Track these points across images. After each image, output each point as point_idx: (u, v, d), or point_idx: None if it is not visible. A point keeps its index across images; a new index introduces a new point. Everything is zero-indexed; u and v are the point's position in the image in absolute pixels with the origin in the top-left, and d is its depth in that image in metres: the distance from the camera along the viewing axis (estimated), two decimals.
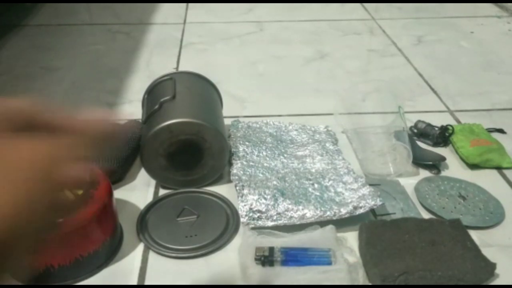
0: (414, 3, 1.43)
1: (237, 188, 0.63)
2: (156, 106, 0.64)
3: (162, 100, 0.65)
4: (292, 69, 1.05)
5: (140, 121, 0.74)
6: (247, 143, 0.73)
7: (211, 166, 0.66)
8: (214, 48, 1.15)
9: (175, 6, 1.40)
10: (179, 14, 1.34)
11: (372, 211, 0.62)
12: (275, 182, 0.64)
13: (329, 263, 0.53)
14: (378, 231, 0.57)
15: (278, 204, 0.60)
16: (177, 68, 1.04)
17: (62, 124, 0.28)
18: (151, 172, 0.66)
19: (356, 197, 0.61)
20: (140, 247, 0.58)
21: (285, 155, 0.72)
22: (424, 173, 0.71)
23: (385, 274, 0.52)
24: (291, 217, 0.59)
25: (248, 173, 0.66)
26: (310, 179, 0.65)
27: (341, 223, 0.59)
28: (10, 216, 0.20)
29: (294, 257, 0.54)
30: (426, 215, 0.63)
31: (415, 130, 0.80)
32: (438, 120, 0.82)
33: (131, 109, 0.88)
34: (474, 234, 0.59)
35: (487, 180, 0.70)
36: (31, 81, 0.98)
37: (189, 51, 1.12)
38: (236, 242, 0.58)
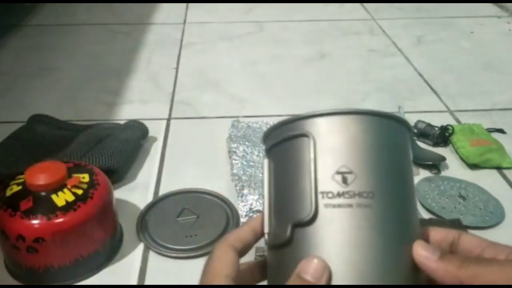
0: (414, 3, 1.43)
1: (237, 188, 0.63)
2: (288, 233, 0.30)
3: (295, 221, 0.30)
4: (292, 69, 1.05)
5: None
6: (247, 143, 0.73)
7: None
8: (214, 48, 1.15)
9: (175, 6, 1.40)
10: (179, 14, 1.34)
11: None
12: None
13: None
14: None
15: None
16: (177, 68, 1.04)
17: None
18: None
19: None
20: (140, 247, 0.58)
21: None
22: (424, 173, 0.71)
23: None
24: None
25: (248, 173, 0.66)
26: None
27: None
28: None
29: None
30: (426, 215, 0.63)
31: (415, 130, 0.80)
32: (438, 120, 0.82)
33: (131, 109, 0.88)
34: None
35: (487, 180, 0.70)
36: (31, 81, 0.98)
37: (189, 51, 1.12)
38: None
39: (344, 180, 0.29)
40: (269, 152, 0.34)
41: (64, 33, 1.22)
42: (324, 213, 0.29)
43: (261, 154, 0.71)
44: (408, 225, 0.31)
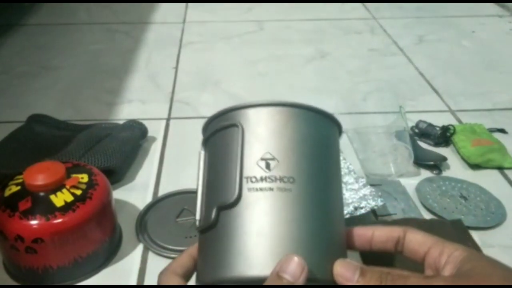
0: (415, 2, 1.42)
1: None
2: (213, 216, 0.31)
3: (220, 204, 0.31)
4: (292, 68, 1.04)
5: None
6: None
7: None
8: (214, 47, 1.14)
9: (174, 5, 1.39)
10: (178, 13, 1.34)
11: (373, 211, 0.62)
12: None
13: None
14: None
15: None
16: (176, 67, 1.04)
17: None
18: None
19: (357, 197, 0.61)
20: (140, 248, 0.58)
21: None
22: (425, 173, 0.71)
23: None
24: None
25: None
26: None
27: None
28: None
29: None
30: (427, 216, 0.63)
31: (416, 130, 0.79)
32: (440, 120, 0.81)
33: (130, 108, 0.88)
34: (475, 235, 0.58)
35: (489, 180, 0.70)
36: (30, 81, 0.97)
37: (188, 51, 1.12)
38: None
39: (267, 166, 0.31)
40: (205, 144, 0.36)
41: (63, 32, 1.22)
42: (248, 196, 0.30)
43: None
44: (328, 209, 0.33)
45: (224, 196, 0.31)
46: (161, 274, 0.34)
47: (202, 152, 0.35)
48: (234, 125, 0.33)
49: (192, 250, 0.35)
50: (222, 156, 0.33)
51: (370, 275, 0.29)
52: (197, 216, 0.33)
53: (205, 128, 0.36)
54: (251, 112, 0.33)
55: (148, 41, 1.16)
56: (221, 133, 0.34)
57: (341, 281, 0.29)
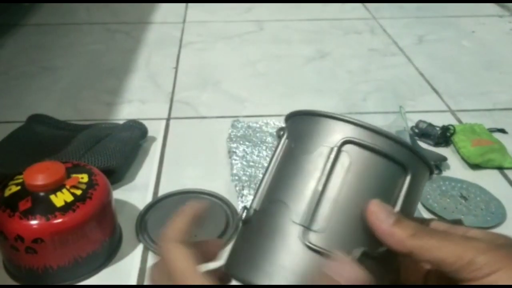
0: (415, 2, 1.42)
1: (237, 188, 0.63)
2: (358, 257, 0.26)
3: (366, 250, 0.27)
4: (292, 68, 1.04)
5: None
6: (247, 143, 0.73)
7: None
8: (213, 47, 1.14)
9: (174, 5, 1.39)
10: (178, 13, 1.34)
11: None
12: None
13: None
14: None
15: None
16: (176, 67, 1.04)
17: None
18: None
19: None
20: (140, 248, 0.58)
21: None
22: None
23: None
24: None
25: (248, 173, 0.66)
26: None
27: None
28: None
29: None
30: (427, 216, 0.63)
31: (416, 130, 0.79)
32: (440, 120, 0.81)
33: (130, 108, 0.88)
34: None
35: (489, 180, 0.70)
36: (30, 81, 0.97)
37: (188, 51, 1.12)
38: None
39: None
40: (344, 145, 0.28)
41: (63, 32, 1.22)
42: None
43: (261, 154, 0.71)
44: None
45: (371, 242, 0.27)
46: (161, 247, 0.28)
47: (345, 156, 0.27)
48: (405, 167, 0.28)
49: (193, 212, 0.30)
50: (370, 185, 0.27)
51: (406, 224, 0.26)
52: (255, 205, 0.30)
53: (349, 121, 0.28)
54: (420, 163, 0.29)
55: (148, 41, 1.16)
56: (381, 158, 0.27)
57: (373, 220, 0.26)
